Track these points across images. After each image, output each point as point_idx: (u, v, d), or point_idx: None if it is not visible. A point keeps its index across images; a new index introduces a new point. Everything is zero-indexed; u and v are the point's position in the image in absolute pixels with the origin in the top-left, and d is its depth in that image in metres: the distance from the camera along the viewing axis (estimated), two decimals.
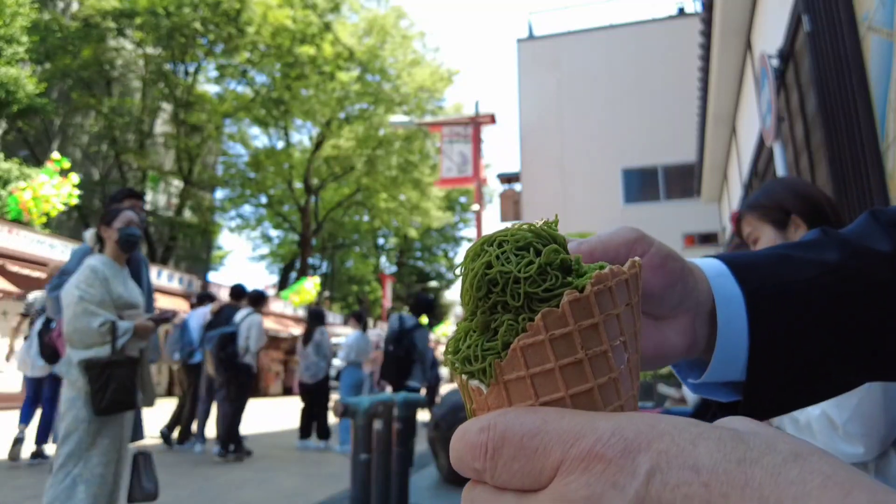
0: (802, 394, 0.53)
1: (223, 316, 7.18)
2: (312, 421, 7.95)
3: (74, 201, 12.56)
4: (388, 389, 6.84)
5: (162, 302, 14.29)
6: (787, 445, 0.23)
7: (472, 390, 0.30)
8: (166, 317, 3.04)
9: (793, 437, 0.24)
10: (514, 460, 0.25)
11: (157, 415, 11.08)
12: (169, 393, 16.45)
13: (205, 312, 7.58)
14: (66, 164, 12.24)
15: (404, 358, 6.35)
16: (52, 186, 11.78)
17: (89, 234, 3.11)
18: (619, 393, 0.29)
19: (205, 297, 8.18)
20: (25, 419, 6.01)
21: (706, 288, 0.51)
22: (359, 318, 8.18)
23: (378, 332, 11.13)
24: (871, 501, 0.20)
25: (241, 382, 6.84)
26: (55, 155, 12.48)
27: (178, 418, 7.63)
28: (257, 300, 7.18)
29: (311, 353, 7.74)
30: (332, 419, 8.15)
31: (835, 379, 0.53)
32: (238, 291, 7.49)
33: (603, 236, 0.46)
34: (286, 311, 22.20)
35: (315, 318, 8.01)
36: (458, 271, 0.31)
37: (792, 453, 0.22)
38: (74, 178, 12.26)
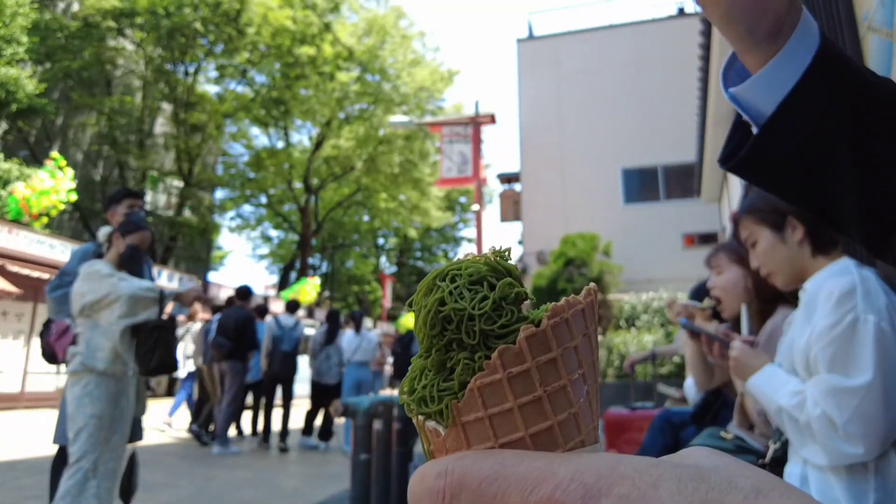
0: (809, 163, 0.61)
1: (231, 317, 7.18)
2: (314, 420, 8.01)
3: (73, 197, 12.58)
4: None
5: None
6: (748, 481, 0.22)
7: (430, 432, 0.28)
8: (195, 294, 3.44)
9: (754, 470, 0.23)
10: None
11: (154, 414, 11.07)
12: (169, 393, 16.44)
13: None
14: (63, 163, 12.26)
15: (400, 354, 6.37)
16: (52, 181, 11.81)
17: (103, 233, 3.24)
18: (579, 427, 0.28)
19: (233, 301, 7.93)
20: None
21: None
22: (353, 317, 8.31)
23: (379, 332, 11.11)
24: None
25: (292, 381, 7.95)
26: (55, 153, 12.52)
27: (200, 414, 7.99)
28: (295, 307, 8.29)
29: (332, 353, 7.78)
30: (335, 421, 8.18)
31: (837, 171, 0.61)
32: (244, 292, 7.56)
33: None
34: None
35: (336, 319, 8.03)
36: (410, 305, 0.30)
37: (753, 490, 0.22)
38: (70, 172, 12.30)
